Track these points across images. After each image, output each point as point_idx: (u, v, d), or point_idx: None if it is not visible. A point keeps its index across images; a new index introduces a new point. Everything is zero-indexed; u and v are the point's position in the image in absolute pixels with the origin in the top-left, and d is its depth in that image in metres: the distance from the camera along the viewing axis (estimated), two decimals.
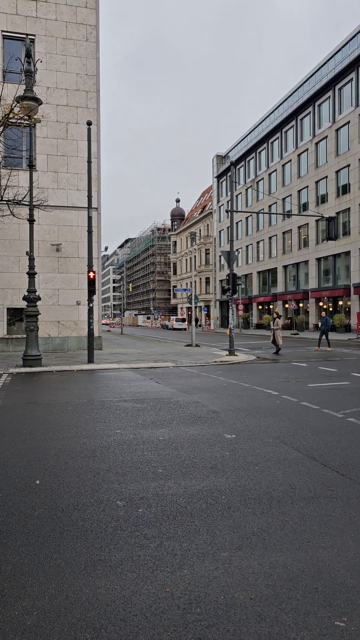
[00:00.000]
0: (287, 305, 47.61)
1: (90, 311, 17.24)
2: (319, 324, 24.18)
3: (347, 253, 40.53)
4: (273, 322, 22.21)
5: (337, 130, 41.98)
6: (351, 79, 39.97)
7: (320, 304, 44.76)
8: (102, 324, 27.75)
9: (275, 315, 22.69)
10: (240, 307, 52.10)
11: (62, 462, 5.41)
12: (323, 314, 23.83)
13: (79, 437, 6.53)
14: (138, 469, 5.14)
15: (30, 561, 3.22)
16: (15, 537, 3.57)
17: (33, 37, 22.59)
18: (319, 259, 44.89)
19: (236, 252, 63.20)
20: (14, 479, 4.87)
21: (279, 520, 3.81)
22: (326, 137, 43.46)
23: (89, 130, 17.70)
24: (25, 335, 16.95)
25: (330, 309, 43.26)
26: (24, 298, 16.07)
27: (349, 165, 40.19)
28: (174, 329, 62.88)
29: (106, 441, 6.29)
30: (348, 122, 40.29)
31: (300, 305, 47.57)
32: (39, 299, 16.36)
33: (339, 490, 4.46)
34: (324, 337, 23.04)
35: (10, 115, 16.77)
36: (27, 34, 22.39)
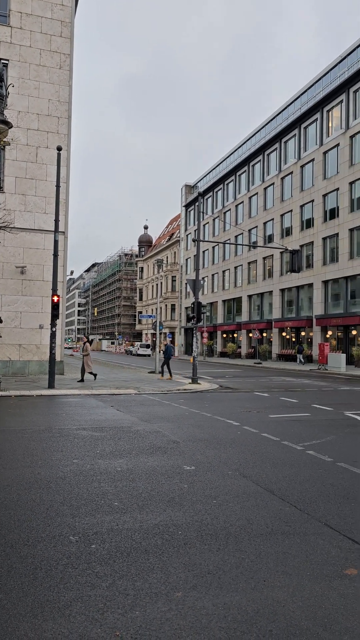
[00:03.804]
0: (251, 335, 48.12)
1: (53, 335, 16.98)
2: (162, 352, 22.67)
3: (310, 285, 41.48)
4: (82, 348, 20.50)
5: (302, 166, 43.40)
6: (316, 119, 41.61)
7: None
8: (65, 348, 27.32)
9: (84, 340, 21.18)
10: (205, 335, 52.30)
11: (15, 494, 5.21)
12: (164, 342, 23.68)
13: (34, 467, 6.32)
14: (94, 501, 5.00)
15: None
16: None
17: (6, 61, 22.69)
18: (282, 290, 45.75)
19: (202, 281, 63.77)
20: None
21: (235, 557, 3.75)
22: (292, 172, 44.86)
23: (58, 155, 17.74)
24: None
25: (293, 339, 43.94)
26: None
27: (312, 201, 41.48)
28: (138, 355, 62.46)
29: (62, 471, 6.11)
30: (312, 160, 41.76)
31: (264, 334, 48.16)
32: (1, 321, 16.02)
33: (297, 526, 4.43)
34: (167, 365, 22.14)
35: None
36: (0, 59, 22.48)
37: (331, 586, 3.33)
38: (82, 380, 19.40)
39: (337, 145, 38.65)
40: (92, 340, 30.39)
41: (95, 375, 20.58)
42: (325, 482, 5.84)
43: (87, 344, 20.42)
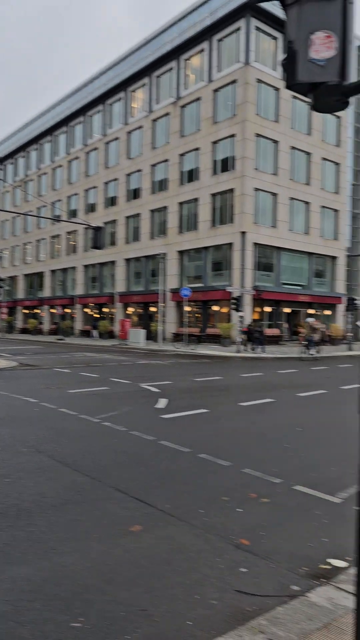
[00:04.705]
0: (53, 310, 47.34)
1: None
2: None
3: (114, 262, 42.33)
4: None
5: (107, 143, 43.60)
6: (120, 98, 42.04)
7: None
8: None
9: None
10: (4, 310, 49.74)
11: None
12: None
13: None
14: None
15: None
16: None
17: None
18: (86, 266, 45.82)
19: (1, 253, 60.27)
20: None
21: (25, 531, 3.76)
22: (97, 148, 44.77)
23: None
24: None
25: (97, 315, 44.50)
26: None
27: (117, 179, 42.10)
28: None
29: None
30: (117, 138, 42.24)
31: (67, 310, 47.78)
32: None
33: (88, 494, 4.61)
34: None
35: None
36: None
37: (117, 543, 3.58)
38: None
39: (141, 127, 39.72)
40: None
41: None
42: (118, 450, 6.16)
43: None
